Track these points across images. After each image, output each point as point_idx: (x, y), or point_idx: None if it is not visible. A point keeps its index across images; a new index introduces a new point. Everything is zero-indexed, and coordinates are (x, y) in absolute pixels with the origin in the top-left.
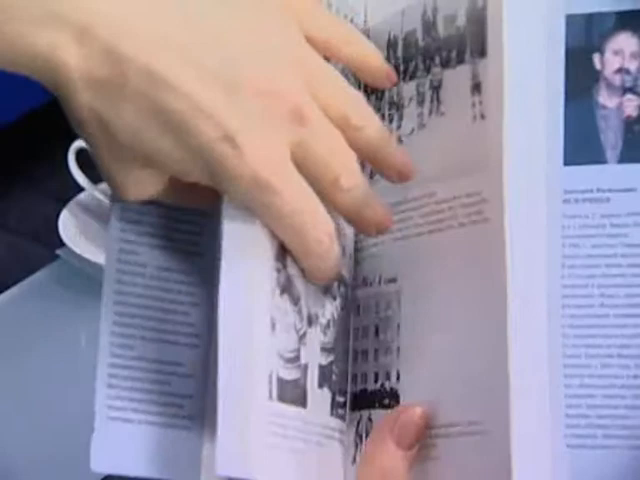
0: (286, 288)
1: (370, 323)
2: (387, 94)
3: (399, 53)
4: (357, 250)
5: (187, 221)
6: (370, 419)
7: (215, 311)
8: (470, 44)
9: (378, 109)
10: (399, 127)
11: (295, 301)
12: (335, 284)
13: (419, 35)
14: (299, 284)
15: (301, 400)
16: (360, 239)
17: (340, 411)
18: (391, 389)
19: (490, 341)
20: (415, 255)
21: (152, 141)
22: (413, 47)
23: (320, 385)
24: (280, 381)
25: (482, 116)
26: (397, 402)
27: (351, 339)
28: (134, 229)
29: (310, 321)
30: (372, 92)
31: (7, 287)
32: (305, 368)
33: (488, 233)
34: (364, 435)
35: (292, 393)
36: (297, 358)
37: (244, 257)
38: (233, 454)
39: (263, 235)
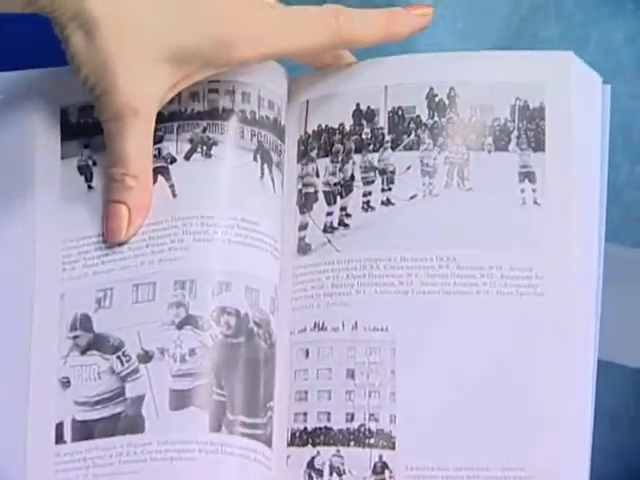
0: (91, 347)
1: (336, 366)
2: (359, 159)
3: (380, 124)
4: (295, 299)
5: None
6: (340, 456)
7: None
8: (517, 137)
9: (346, 170)
10: (386, 190)
11: (112, 351)
12: (209, 316)
13: (422, 112)
14: (124, 333)
15: (131, 428)
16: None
17: (243, 429)
18: (380, 431)
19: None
20: (418, 310)
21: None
22: (411, 122)
23: (180, 407)
24: (80, 423)
25: (535, 202)
26: (391, 444)
27: (291, 379)
28: None
29: (148, 357)
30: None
31: None
32: (137, 399)
33: (543, 305)
34: (328, 471)
35: (107, 427)
36: (118, 395)
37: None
38: None
39: (57, 312)
